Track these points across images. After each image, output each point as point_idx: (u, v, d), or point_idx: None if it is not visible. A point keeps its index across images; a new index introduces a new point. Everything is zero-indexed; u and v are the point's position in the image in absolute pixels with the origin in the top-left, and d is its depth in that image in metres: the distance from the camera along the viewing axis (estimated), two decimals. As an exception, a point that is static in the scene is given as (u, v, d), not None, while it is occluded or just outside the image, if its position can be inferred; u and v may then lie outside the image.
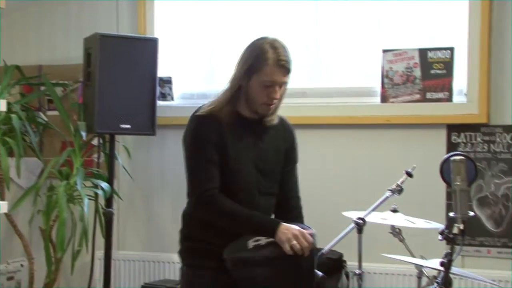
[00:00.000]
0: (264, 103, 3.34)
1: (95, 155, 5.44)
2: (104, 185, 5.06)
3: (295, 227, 3.19)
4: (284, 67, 3.30)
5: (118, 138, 5.26)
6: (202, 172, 3.34)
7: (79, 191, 4.96)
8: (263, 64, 3.29)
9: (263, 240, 3.25)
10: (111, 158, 5.15)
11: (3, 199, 5.04)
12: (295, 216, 3.54)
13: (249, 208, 3.36)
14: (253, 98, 3.36)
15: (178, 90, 5.55)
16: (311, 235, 3.19)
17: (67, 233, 5.02)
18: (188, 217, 3.49)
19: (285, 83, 3.36)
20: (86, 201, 4.92)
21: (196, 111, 3.43)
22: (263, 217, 3.31)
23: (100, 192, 5.06)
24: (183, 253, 3.50)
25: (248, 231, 3.24)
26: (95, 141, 5.38)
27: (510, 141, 4.81)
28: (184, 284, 3.51)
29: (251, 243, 3.25)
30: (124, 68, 5.02)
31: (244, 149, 3.41)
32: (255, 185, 3.41)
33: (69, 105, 5.36)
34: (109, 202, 5.07)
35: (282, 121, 3.55)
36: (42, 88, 5.48)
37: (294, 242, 3.12)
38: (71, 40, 5.65)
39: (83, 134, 5.05)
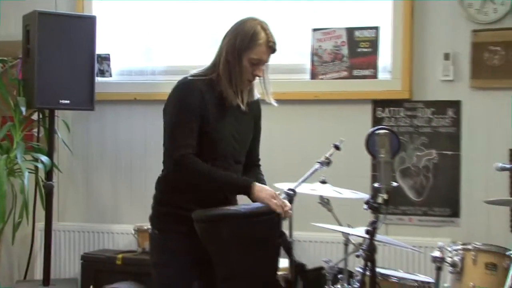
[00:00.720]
0: (247, 79, 3.45)
1: (35, 130, 5.45)
2: (44, 158, 5.07)
3: (267, 188, 3.30)
4: (272, 48, 3.42)
5: (58, 113, 5.26)
6: (182, 136, 3.37)
7: (19, 165, 4.97)
8: (255, 44, 3.38)
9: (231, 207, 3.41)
10: (50, 133, 5.15)
11: None
12: (256, 170, 3.66)
13: (223, 168, 3.42)
14: (238, 73, 3.43)
15: (116, 66, 5.55)
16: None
17: (8, 205, 5.05)
18: (163, 183, 3.53)
19: (267, 62, 3.48)
20: (26, 174, 4.93)
21: (183, 79, 3.48)
22: (237, 176, 3.40)
23: (40, 165, 5.08)
24: (154, 218, 3.54)
25: (224, 188, 3.37)
26: (35, 116, 5.37)
27: (430, 116, 4.96)
28: (155, 248, 3.55)
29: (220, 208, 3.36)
30: (63, 45, 5.01)
31: (225, 121, 3.47)
32: (232, 154, 3.49)
33: (9, 81, 5.34)
34: (49, 175, 5.10)
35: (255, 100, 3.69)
36: None
37: (275, 201, 3.21)
38: (10, 17, 5.64)
39: (23, 109, 5.05)
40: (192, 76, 3.48)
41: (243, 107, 3.52)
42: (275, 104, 3.63)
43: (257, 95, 3.62)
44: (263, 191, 3.30)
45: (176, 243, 3.43)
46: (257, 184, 3.32)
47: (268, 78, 3.57)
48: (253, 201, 3.33)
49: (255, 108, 3.66)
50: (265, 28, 3.43)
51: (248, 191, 3.32)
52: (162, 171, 3.56)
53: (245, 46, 3.39)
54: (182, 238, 3.39)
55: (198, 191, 3.45)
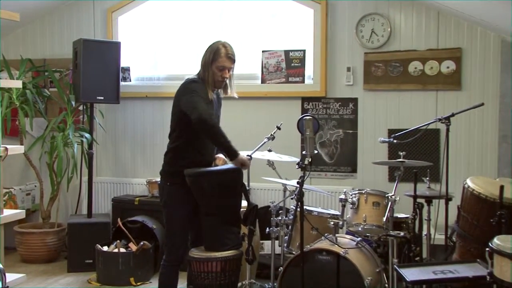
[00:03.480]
0: (218, 81, 3.62)
1: (81, 116, 5.68)
2: (87, 135, 5.37)
3: (244, 159, 3.47)
4: (230, 58, 3.61)
5: (96, 105, 5.53)
6: (203, 106, 3.46)
7: (71, 139, 5.27)
8: (218, 56, 3.58)
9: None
10: (91, 118, 5.43)
11: (21, 144, 5.32)
12: None
13: (208, 146, 3.60)
14: (213, 76, 3.59)
15: (134, 74, 5.76)
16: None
17: (64, 166, 5.36)
18: (172, 151, 3.63)
19: (231, 68, 3.65)
20: (75, 145, 5.26)
21: (190, 79, 3.61)
22: (233, 145, 3.47)
23: (84, 140, 5.37)
24: (165, 174, 3.64)
25: (224, 145, 3.44)
26: (81, 107, 5.62)
27: (338, 108, 5.26)
28: (166, 194, 3.62)
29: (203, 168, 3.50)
30: (98, 61, 5.23)
31: (211, 106, 3.62)
32: None
33: (64, 84, 5.65)
34: (90, 146, 5.39)
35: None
36: (46, 73, 5.70)
37: (244, 166, 3.48)
38: (64, 42, 5.89)
39: (73, 103, 5.43)
40: (194, 79, 3.63)
41: (213, 96, 3.62)
42: (236, 96, 3.79)
43: (228, 92, 3.75)
44: (244, 158, 3.48)
45: (178, 191, 3.59)
46: (240, 154, 3.47)
47: (233, 80, 3.74)
48: (231, 163, 3.47)
49: (221, 99, 3.85)
50: (225, 46, 3.62)
51: (234, 156, 3.46)
52: (170, 144, 3.65)
53: (212, 58, 3.59)
54: (182, 188, 3.55)
55: (194, 157, 3.57)
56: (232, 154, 3.46)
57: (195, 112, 3.37)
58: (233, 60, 3.64)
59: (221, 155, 3.69)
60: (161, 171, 3.68)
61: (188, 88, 3.54)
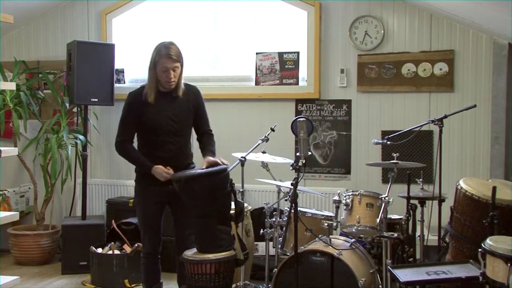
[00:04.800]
0: (165, 82, 3.54)
1: (75, 118, 5.67)
2: (81, 137, 5.35)
3: (159, 171, 3.49)
4: (171, 58, 3.47)
5: (90, 107, 5.50)
6: (121, 129, 3.63)
7: (65, 141, 5.27)
8: (159, 57, 3.49)
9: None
10: (85, 120, 5.40)
11: (15, 146, 5.32)
12: (207, 137, 3.78)
13: (165, 144, 3.58)
14: (159, 79, 3.54)
15: (128, 76, 5.76)
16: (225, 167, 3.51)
17: (58, 168, 5.34)
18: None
19: (176, 67, 3.51)
20: (69, 147, 5.26)
21: (131, 91, 3.70)
22: (146, 162, 3.56)
23: (78, 141, 5.37)
24: (136, 175, 3.78)
25: (138, 167, 3.63)
26: (75, 109, 5.63)
27: (332, 109, 5.26)
28: (135, 193, 3.80)
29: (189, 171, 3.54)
30: (93, 63, 5.21)
31: (162, 109, 3.57)
32: (171, 130, 3.58)
33: (58, 86, 5.62)
34: (84, 148, 5.37)
35: (188, 88, 3.69)
36: (40, 75, 5.65)
37: (164, 175, 3.48)
38: (58, 44, 5.88)
39: (67, 104, 5.42)
40: (138, 87, 3.66)
41: (175, 95, 3.59)
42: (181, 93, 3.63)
43: (192, 87, 3.69)
44: (155, 172, 3.51)
45: (142, 191, 3.70)
46: (154, 167, 3.50)
47: (181, 79, 3.59)
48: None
49: (191, 96, 3.67)
50: (166, 46, 3.50)
51: (150, 171, 3.53)
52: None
53: (155, 60, 3.52)
54: (145, 187, 3.66)
55: (153, 160, 3.59)
56: (146, 170, 3.56)
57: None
58: (175, 60, 3.52)
59: (210, 157, 3.65)
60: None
61: (124, 105, 3.66)
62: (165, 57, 3.50)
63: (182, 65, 3.59)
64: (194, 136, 3.90)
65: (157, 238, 3.73)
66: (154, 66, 3.54)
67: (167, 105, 3.60)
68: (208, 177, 3.46)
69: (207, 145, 3.77)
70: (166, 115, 3.58)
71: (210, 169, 3.53)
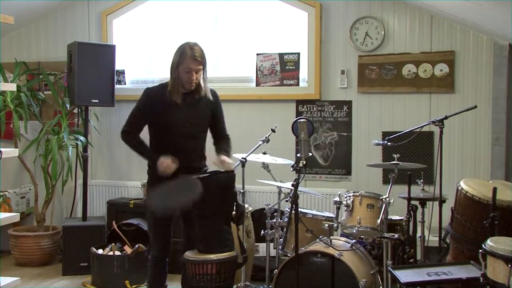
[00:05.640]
0: (186, 82, 3.53)
1: (76, 119, 5.67)
2: (82, 138, 5.36)
3: (164, 159, 3.43)
4: (196, 59, 3.48)
5: (90, 108, 5.49)
6: (128, 121, 3.63)
7: (66, 142, 5.25)
8: (183, 58, 3.49)
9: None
10: (86, 121, 5.40)
11: (16, 147, 5.29)
12: (226, 141, 3.76)
13: (179, 145, 3.54)
14: (181, 79, 3.53)
15: (128, 77, 5.76)
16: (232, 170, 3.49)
17: (58, 169, 5.35)
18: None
19: (199, 69, 3.52)
20: (70, 148, 5.24)
21: (148, 87, 3.65)
22: (149, 152, 3.56)
23: (79, 142, 5.38)
24: (148, 176, 3.73)
25: (142, 156, 3.61)
26: (75, 110, 5.62)
27: (333, 110, 5.26)
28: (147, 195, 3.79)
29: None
30: (93, 64, 5.21)
31: (180, 110, 3.55)
32: (185, 132, 3.57)
33: (58, 87, 5.63)
34: (85, 149, 5.37)
35: (211, 92, 3.69)
36: (40, 76, 5.65)
37: (164, 165, 3.42)
38: (59, 45, 5.89)
39: (68, 105, 5.40)
40: (156, 85, 3.64)
41: (197, 97, 3.58)
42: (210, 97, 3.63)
43: (208, 91, 3.64)
44: (162, 163, 3.44)
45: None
46: (160, 159, 3.44)
47: (206, 80, 3.60)
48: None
49: (209, 99, 3.65)
50: (191, 47, 3.50)
51: (154, 163, 3.48)
52: None
53: (178, 61, 3.52)
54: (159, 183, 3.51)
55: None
56: (152, 160, 3.53)
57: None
58: (199, 62, 3.53)
59: (224, 157, 3.61)
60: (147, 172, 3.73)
61: (139, 98, 3.65)
62: (190, 58, 3.51)
63: (205, 67, 3.59)
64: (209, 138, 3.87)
65: (167, 242, 3.72)
66: (177, 66, 3.55)
67: (186, 107, 3.60)
68: (221, 178, 3.48)
69: (223, 144, 3.76)
70: (183, 117, 3.58)
71: (217, 170, 3.57)
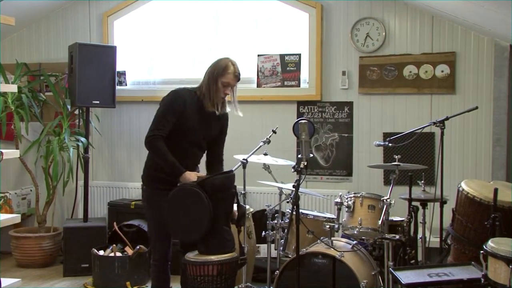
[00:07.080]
0: (221, 96, 3.59)
1: (77, 120, 5.67)
2: (83, 139, 5.37)
3: (189, 176, 3.43)
4: (237, 77, 3.61)
5: (91, 109, 5.50)
6: (158, 123, 3.52)
7: (67, 143, 5.27)
8: (226, 72, 3.56)
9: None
10: (87, 122, 5.41)
11: (17, 148, 5.31)
12: (220, 165, 3.77)
13: (187, 153, 3.57)
14: (215, 91, 3.56)
15: (129, 79, 5.77)
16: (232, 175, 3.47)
17: (59, 170, 5.36)
18: (151, 158, 3.64)
19: (235, 85, 3.64)
20: (71, 149, 5.27)
21: (176, 88, 3.63)
22: (178, 164, 3.47)
23: (80, 143, 5.39)
24: (145, 178, 3.67)
25: (167, 166, 3.48)
26: (76, 112, 5.62)
27: (334, 111, 5.28)
28: (144, 197, 3.71)
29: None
30: (94, 65, 5.23)
31: (201, 120, 3.58)
32: (196, 142, 3.61)
33: (59, 88, 5.64)
34: (86, 150, 5.38)
35: (225, 113, 3.72)
36: (41, 77, 5.66)
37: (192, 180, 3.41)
38: (60, 46, 5.91)
39: (69, 107, 5.40)
40: (183, 88, 3.65)
41: (217, 112, 3.60)
42: (241, 115, 3.69)
43: (227, 109, 3.69)
44: (188, 175, 3.45)
45: (154, 195, 3.59)
46: (187, 172, 3.45)
47: (236, 98, 3.68)
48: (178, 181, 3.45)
49: (223, 119, 3.73)
50: (233, 64, 3.62)
51: (179, 175, 3.45)
52: None
53: (220, 73, 3.57)
54: (162, 192, 3.52)
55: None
56: (176, 173, 3.49)
57: (149, 128, 3.51)
58: (238, 79, 3.65)
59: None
60: (142, 175, 3.70)
61: (164, 99, 3.60)
62: (232, 74, 3.60)
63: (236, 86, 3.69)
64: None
65: (168, 245, 3.72)
66: (217, 77, 3.59)
67: (206, 118, 3.63)
68: (222, 179, 3.49)
69: (218, 168, 3.77)
70: (201, 127, 3.62)
71: (218, 172, 3.59)
